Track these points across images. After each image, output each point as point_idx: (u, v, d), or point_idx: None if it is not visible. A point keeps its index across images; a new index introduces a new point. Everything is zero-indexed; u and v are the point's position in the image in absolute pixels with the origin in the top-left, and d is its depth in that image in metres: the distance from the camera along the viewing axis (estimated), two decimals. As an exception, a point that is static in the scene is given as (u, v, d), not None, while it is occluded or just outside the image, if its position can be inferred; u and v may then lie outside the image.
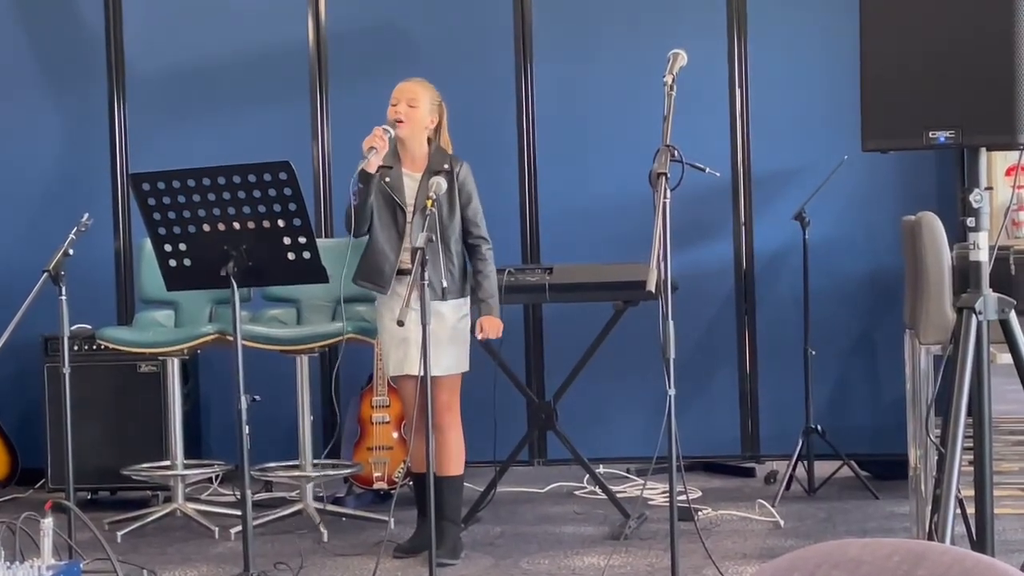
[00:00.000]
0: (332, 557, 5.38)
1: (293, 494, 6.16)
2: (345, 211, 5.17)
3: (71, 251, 5.03)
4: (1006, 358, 3.86)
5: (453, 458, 5.27)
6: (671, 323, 4.13)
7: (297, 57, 6.93)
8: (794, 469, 6.22)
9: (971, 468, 3.77)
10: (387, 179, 5.20)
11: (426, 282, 4.55)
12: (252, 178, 4.46)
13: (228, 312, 4.87)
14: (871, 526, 5.67)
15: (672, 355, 4.13)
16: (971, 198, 3.67)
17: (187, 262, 4.63)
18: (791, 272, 6.46)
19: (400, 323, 4.72)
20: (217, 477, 6.47)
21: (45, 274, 4.95)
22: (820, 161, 6.32)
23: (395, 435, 6.24)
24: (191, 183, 4.51)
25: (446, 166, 5.20)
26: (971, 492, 3.78)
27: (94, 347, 6.33)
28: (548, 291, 5.89)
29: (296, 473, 6.01)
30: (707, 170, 4.57)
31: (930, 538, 3.66)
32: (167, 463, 6.14)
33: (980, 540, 3.76)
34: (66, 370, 5.06)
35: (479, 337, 5.26)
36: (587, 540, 5.56)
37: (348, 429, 6.32)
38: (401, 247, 5.19)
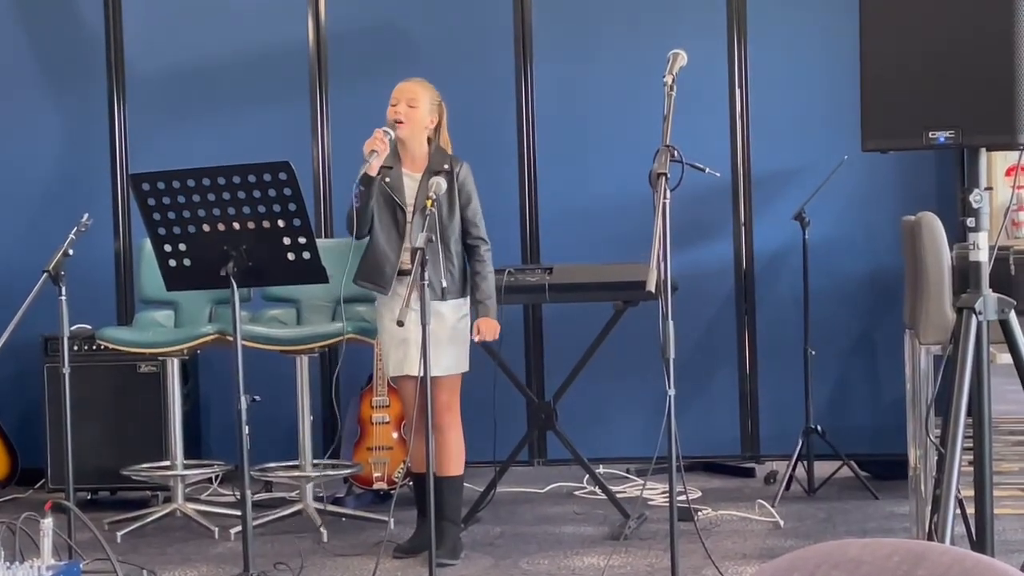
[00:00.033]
0: (332, 557, 5.38)
1: (293, 494, 6.16)
2: (347, 214, 5.16)
3: (71, 251, 5.03)
4: (1006, 358, 3.86)
5: (453, 458, 5.27)
6: (671, 323, 4.13)
7: (297, 57, 6.93)
8: (794, 469, 6.22)
9: (971, 468, 3.77)
10: (387, 179, 5.20)
11: (426, 282, 4.55)
12: (252, 178, 4.46)
13: (228, 312, 4.87)
14: (871, 526, 5.67)
15: (672, 355, 4.13)
16: (971, 198, 3.67)
17: (187, 262, 4.63)
18: (791, 272, 6.46)
19: (400, 323, 4.73)
20: (217, 477, 6.47)
21: (45, 274, 4.95)
22: (820, 161, 6.32)
23: (395, 435, 6.24)
24: (191, 183, 4.51)
25: (446, 166, 5.20)
26: (971, 492, 3.78)
27: (94, 347, 6.33)
28: (548, 291, 5.89)
29: (296, 473, 6.01)
30: (707, 170, 4.57)
31: (930, 538, 3.66)
32: (167, 463, 6.14)
33: (980, 540, 3.76)
34: (66, 370, 5.06)
35: (475, 339, 5.26)
36: (587, 540, 5.56)
37: (348, 429, 6.32)
38: (402, 247, 5.19)
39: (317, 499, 6.02)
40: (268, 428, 6.11)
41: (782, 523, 5.69)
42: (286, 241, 4.52)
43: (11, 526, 4.11)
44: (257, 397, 4.52)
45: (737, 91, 6.66)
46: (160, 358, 6.14)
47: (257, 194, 4.47)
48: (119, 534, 5.74)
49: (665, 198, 4.10)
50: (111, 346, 6.08)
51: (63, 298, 5.03)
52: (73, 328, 5.89)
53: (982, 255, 3.73)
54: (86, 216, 5.18)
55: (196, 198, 4.52)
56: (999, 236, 4.47)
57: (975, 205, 3.67)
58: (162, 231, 4.60)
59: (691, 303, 6.25)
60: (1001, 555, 4.41)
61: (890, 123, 3.69)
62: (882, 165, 6.24)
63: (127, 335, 6.13)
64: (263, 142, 6.68)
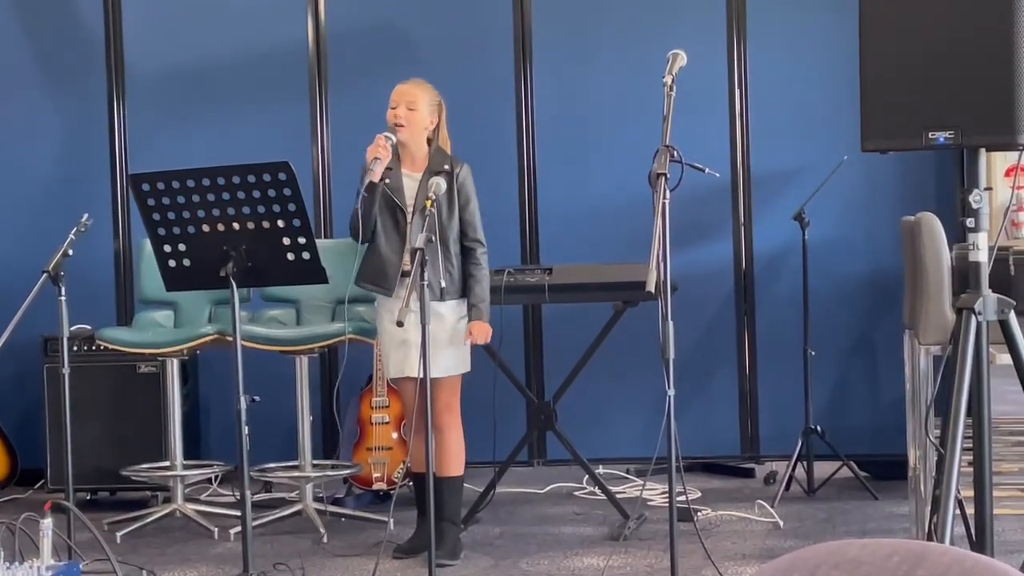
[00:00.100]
0: (332, 558, 5.38)
1: (293, 495, 6.16)
2: (350, 218, 5.15)
3: (71, 251, 5.03)
4: (1006, 358, 3.86)
5: (453, 458, 5.27)
6: (671, 323, 4.13)
7: (297, 57, 6.92)
8: (793, 470, 6.21)
9: (971, 468, 3.77)
10: (387, 180, 5.20)
11: (425, 283, 4.55)
12: (252, 178, 4.46)
13: (227, 312, 4.87)
14: (871, 527, 5.67)
15: (672, 355, 4.13)
16: (970, 199, 3.67)
17: (187, 262, 4.63)
18: (791, 272, 6.46)
19: (399, 324, 4.73)
20: (216, 478, 6.47)
21: (45, 274, 4.95)
22: (820, 161, 6.32)
23: (395, 436, 6.24)
24: (191, 183, 4.51)
25: (446, 167, 5.20)
26: (971, 492, 3.78)
27: (93, 347, 6.33)
28: (548, 291, 5.89)
29: (296, 474, 6.01)
30: (707, 170, 4.57)
31: (929, 538, 3.65)
32: (166, 464, 6.14)
33: (980, 540, 3.76)
34: (66, 370, 5.06)
35: (467, 342, 5.25)
36: (587, 541, 5.56)
37: (348, 430, 6.32)
38: (403, 249, 5.19)
39: (317, 499, 6.01)
40: (268, 428, 6.10)
41: (782, 523, 5.69)
42: (286, 241, 4.52)
43: (11, 526, 4.10)
44: (257, 397, 4.51)
45: (737, 91, 6.66)
46: (160, 358, 6.14)
47: (257, 194, 4.46)
48: (119, 534, 5.74)
49: (665, 198, 4.10)
50: (111, 346, 6.08)
51: (63, 298, 5.03)
52: (73, 328, 5.89)
53: (982, 255, 3.73)
54: (86, 216, 5.19)
55: (196, 198, 4.52)
56: (999, 236, 4.47)
57: (975, 205, 3.67)
58: (162, 231, 4.60)
59: (691, 303, 6.25)
60: (1001, 555, 4.40)
61: (890, 123, 3.69)
62: (882, 165, 6.24)
63: (127, 335, 6.13)
64: (263, 142, 6.68)
